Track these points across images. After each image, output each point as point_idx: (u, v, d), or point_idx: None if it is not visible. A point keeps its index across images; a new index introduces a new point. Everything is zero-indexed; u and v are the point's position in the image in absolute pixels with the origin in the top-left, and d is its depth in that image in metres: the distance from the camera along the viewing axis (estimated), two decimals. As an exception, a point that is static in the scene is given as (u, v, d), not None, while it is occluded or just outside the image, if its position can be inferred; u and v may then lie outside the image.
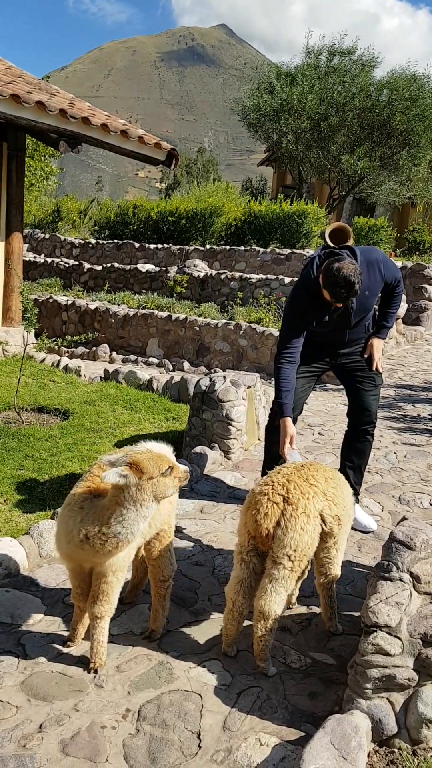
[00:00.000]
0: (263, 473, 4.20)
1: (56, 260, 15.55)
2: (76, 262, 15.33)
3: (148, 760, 2.39)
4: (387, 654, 2.46)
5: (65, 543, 2.71)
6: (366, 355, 4.15)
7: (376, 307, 4.19)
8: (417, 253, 18.59)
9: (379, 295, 4.03)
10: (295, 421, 4.19)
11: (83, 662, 2.90)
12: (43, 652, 2.98)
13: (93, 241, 17.97)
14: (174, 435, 6.18)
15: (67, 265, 15.21)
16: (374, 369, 4.14)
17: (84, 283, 14.66)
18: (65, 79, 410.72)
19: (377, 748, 2.49)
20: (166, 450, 2.71)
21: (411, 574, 2.55)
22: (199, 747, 2.46)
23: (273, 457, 3.98)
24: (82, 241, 17.97)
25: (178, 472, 2.69)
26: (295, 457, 3.72)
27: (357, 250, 3.73)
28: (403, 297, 11.14)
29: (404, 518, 2.84)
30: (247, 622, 3.03)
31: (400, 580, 2.55)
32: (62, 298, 12.35)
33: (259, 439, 6.07)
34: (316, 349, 4.07)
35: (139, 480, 2.53)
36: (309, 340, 3.97)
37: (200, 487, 4.95)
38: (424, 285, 12.41)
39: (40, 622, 3.21)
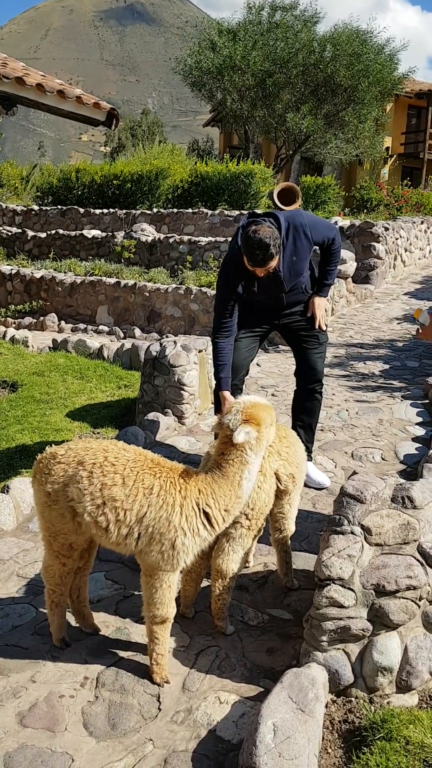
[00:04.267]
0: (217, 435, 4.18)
1: (-1, 229, 15.08)
2: (19, 230, 14.89)
3: (107, 726, 2.39)
4: (341, 606, 2.48)
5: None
6: (309, 314, 4.12)
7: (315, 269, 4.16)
8: (365, 211, 18.62)
9: (310, 258, 3.98)
10: (242, 383, 4.18)
11: (39, 633, 2.87)
12: (-3, 626, 2.93)
13: (36, 207, 17.47)
14: (126, 402, 6.11)
15: (9, 233, 14.76)
16: (317, 327, 4.12)
17: (28, 251, 14.27)
18: (0, 41, 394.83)
19: (335, 698, 2.53)
20: (264, 399, 2.72)
21: (362, 526, 2.57)
22: (159, 709, 2.46)
23: None
24: (25, 208, 17.45)
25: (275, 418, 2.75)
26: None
27: (280, 215, 3.70)
28: (352, 255, 11.15)
29: (355, 473, 2.86)
30: (204, 583, 3.03)
31: (352, 533, 2.57)
32: (6, 268, 12.01)
33: (212, 403, 6.04)
34: (257, 314, 4.04)
35: (259, 432, 2.55)
36: (249, 307, 3.94)
37: (156, 452, 4.90)
38: (372, 243, 12.45)
39: (-7, 597, 3.15)
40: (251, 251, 3.50)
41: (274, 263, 3.60)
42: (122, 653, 2.76)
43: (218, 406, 4.02)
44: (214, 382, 6.04)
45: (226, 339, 3.82)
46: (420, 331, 3.53)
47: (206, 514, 2.52)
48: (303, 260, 3.82)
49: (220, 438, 2.64)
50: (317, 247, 3.95)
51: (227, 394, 3.75)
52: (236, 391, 3.98)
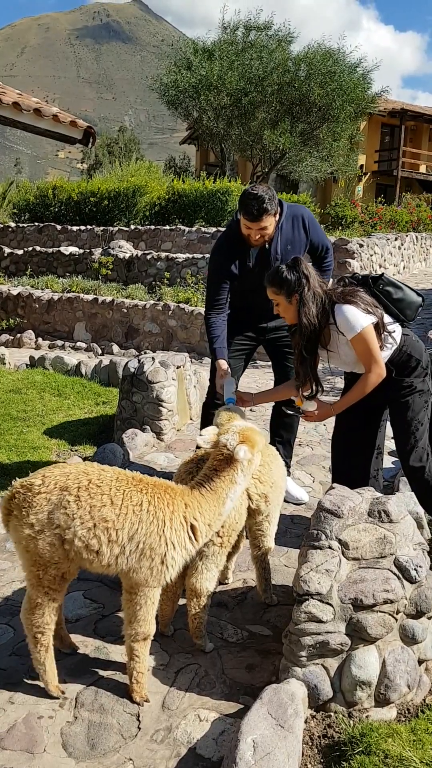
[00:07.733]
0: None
1: (-25, 246, 15.01)
2: (-4, 247, 14.84)
3: (87, 746, 2.37)
4: (319, 621, 2.50)
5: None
6: None
7: None
8: (340, 227, 18.83)
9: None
10: None
11: (18, 654, 2.84)
12: (-26, 647, 2.90)
13: (12, 224, 17.44)
14: (105, 419, 6.10)
15: (-14, 251, 14.71)
16: None
17: (5, 268, 14.23)
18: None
19: (314, 713, 2.54)
20: (255, 426, 2.77)
21: (339, 541, 2.60)
22: (139, 728, 2.45)
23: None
24: (1, 225, 17.42)
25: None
26: (231, 386, 3.67)
27: (284, 203, 3.82)
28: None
29: (332, 487, 2.88)
30: (182, 601, 3.03)
31: (329, 547, 2.59)
32: (-17, 285, 11.96)
33: (191, 419, 6.06)
34: (242, 315, 4.06)
35: (253, 455, 2.63)
36: (234, 305, 3.97)
37: (133, 470, 4.90)
38: (347, 259, 12.61)
39: (-30, 618, 3.12)
40: (247, 203, 3.58)
41: (270, 225, 3.66)
42: (101, 672, 2.74)
43: (208, 411, 4.04)
44: (192, 398, 6.08)
45: (219, 315, 3.89)
46: (306, 416, 3.55)
47: (192, 528, 2.54)
48: (296, 252, 3.86)
49: (213, 455, 2.66)
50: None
51: (223, 362, 3.78)
52: None
